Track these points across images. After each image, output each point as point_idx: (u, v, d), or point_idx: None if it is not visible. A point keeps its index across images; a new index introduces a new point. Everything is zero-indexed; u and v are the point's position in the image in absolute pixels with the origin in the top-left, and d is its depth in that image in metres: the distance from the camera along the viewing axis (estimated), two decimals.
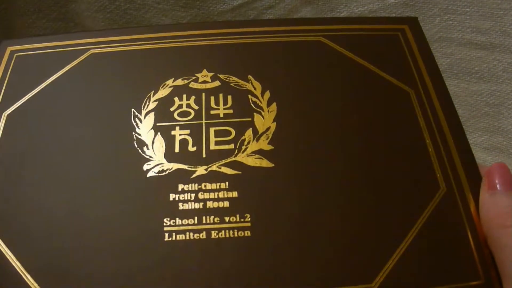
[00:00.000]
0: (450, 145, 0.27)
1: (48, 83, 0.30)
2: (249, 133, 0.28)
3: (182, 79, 0.30)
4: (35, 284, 0.23)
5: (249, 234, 0.24)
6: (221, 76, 0.30)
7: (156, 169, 0.26)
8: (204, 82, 0.30)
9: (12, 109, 0.29)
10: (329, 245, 0.24)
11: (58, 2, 0.50)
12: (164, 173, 0.26)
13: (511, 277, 0.22)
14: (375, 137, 0.28)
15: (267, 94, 0.29)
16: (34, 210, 0.25)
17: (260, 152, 0.27)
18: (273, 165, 0.27)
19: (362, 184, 0.26)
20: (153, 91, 0.30)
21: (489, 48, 0.46)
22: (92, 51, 0.31)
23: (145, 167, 0.27)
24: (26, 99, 0.29)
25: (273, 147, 0.27)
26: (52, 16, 0.50)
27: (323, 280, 0.23)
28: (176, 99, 0.29)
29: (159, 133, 0.28)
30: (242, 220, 0.25)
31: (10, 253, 0.24)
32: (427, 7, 0.47)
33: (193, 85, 0.30)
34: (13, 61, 0.31)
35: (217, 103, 0.29)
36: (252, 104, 0.29)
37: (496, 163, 0.25)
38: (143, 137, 0.28)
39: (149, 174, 0.26)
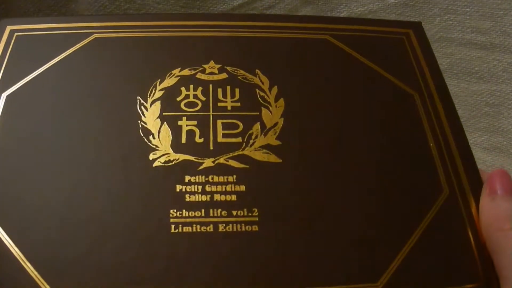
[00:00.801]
0: (452, 149, 0.27)
1: (49, 65, 0.29)
2: (257, 127, 0.27)
3: (189, 69, 0.30)
4: (35, 272, 0.22)
5: (257, 229, 0.24)
6: (228, 68, 0.30)
7: (163, 159, 0.26)
8: (212, 73, 0.30)
9: (11, 91, 0.28)
10: (336, 243, 0.24)
11: (58, 2, 0.49)
12: (170, 164, 0.26)
13: (508, 279, 0.22)
14: (380, 137, 0.28)
15: (275, 90, 0.29)
16: (35, 199, 0.24)
17: (267, 147, 0.27)
18: (280, 160, 0.26)
19: (367, 184, 0.26)
20: (159, 80, 0.29)
21: (489, 48, 0.47)
22: (96, 35, 0.31)
23: (151, 156, 0.26)
24: (27, 80, 0.28)
25: (280, 143, 0.27)
26: (52, 16, 0.50)
27: (329, 277, 0.23)
28: (183, 89, 0.29)
29: (165, 123, 0.27)
30: (250, 214, 0.24)
31: (10, 242, 0.23)
32: (427, 7, 0.47)
33: (200, 76, 0.29)
34: (13, 40, 0.30)
35: (224, 96, 0.29)
36: (260, 99, 0.29)
37: (497, 169, 0.26)
38: (149, 126, 0.27)
39: (155, 164, 0.26)
